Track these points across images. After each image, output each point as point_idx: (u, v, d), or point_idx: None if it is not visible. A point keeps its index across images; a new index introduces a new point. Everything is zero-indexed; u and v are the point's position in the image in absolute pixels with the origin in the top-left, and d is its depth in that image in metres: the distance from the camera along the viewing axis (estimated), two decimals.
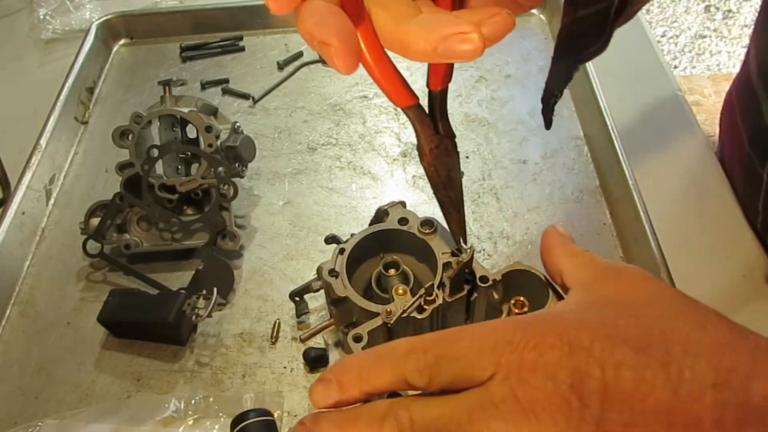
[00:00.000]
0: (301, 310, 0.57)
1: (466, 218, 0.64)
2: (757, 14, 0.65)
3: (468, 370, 0.31)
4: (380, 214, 0.53)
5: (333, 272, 0.49)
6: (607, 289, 0.35)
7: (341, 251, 0.50)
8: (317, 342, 0.55)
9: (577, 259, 0.39)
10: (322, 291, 0.53)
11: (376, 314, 0.46)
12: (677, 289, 0.35)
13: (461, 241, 0.47)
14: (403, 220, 0.51)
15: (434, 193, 0.44)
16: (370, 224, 0.53)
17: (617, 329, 0.30)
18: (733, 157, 0.66)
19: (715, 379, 0.27)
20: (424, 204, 0.66)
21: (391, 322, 0.44)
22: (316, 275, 0.53)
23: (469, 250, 0.45)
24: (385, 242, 0.52)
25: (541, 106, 0.40)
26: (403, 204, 0.53)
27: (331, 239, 0.53)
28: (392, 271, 0.50)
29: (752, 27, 0.65)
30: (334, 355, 0.48)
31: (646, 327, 0.30)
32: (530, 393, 0.29)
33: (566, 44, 0.34)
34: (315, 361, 0.54)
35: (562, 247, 0.41)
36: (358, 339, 0.44)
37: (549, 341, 0.30)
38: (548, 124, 0.41)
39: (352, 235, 0.51)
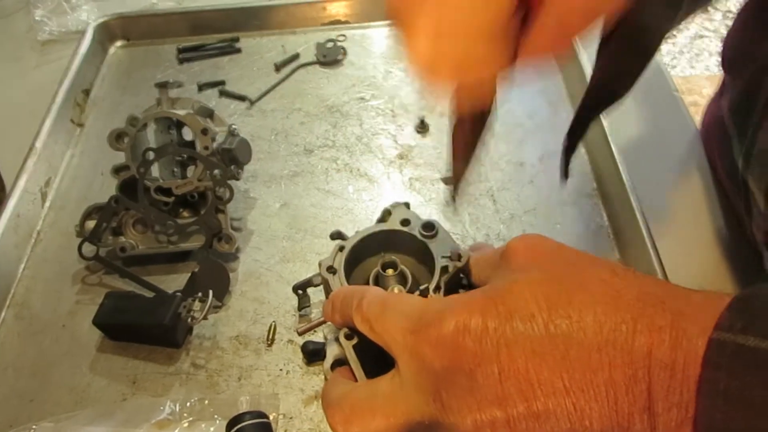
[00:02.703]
0: (303, 303, 0.57)
1: (463, 220, 0.64)
2: (724, 44, 0.64)
3: (386, 342, 0.36)
4: (384, 214, 0.53)
5: (331, 269, 0.49)
6: (500, 268, 0.37)
7: (341, 248, 0.50)
8: (315, 335, 0.55)
9: (478, 268, 0.43)
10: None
11: None
12: (562, 245, 0.36)
13: (455, 190, 0.46)
14: (405, 221, 0.51)
15: (455, 126, 0.41)
16: (377, 223, 0.53)
17: (505, 303, 0.31)
18: (723, 183, 0.66)
19: (600, 341, 0.28)
20: (421, 206, 0.66)
21: None
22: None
23: (465, 255, 0.45)
24: (385, 242, 0.52)
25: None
26: (406, 205, 0.53)
27: (336, 235, 0.54)
28: (390, 271, 0.50)
29: None
30: (332, 350, 0.48)
31: (531, 295, 0.31)
32: (435, 381, 0.32)
33: (595, 95, 0.36)
34: (312, 354, 0.54)
35: (472, 263, 0.44)
36: (349, 337, 0.44)
37: (446, 329, 0.32)
38: (566, 175, 0.41)
39: (356, 233, 0.51)
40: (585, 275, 0.31)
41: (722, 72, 0.66)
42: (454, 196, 0.46)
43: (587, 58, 0.75)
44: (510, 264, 0.36)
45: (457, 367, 0.31)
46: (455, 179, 0.46)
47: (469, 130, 0.42)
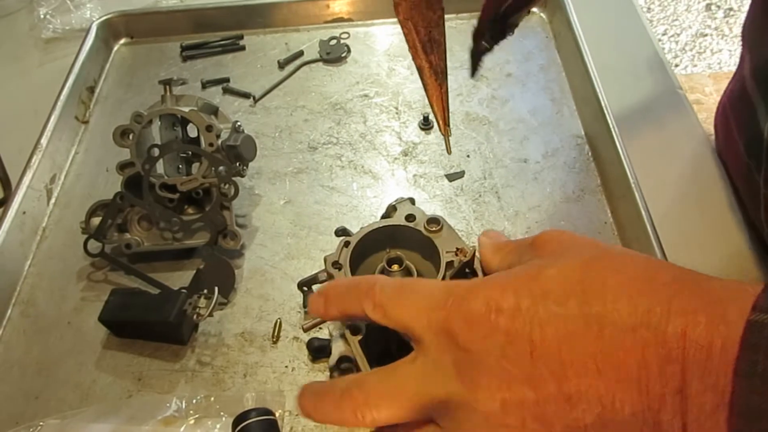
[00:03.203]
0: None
1: (467, 216, 0.64)
2: (745, 19, 0.65)
3: (406, 324, 0.34)
4: (389, 210, 0.53)
5: (336, 264, 0.49)
6: (528, 255, 0.37)
7: (346, 244, 0.50)
8: (320, 332, 0.55)
9: (500, 254, 0.41)
10: None
11: None
12: (590, 238, 0.36)
13: (445, 122, 0.44)
14: (410, 217, 0.51)
15: (413, 58, 0.41)
16: (381, 219, 0.53)
17: (538, 284, 0.31)
18: (735, 169, 0.66)
19: (634, 322, 0.28)
20: (425, 203, 0.66)
21: None
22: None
23: (470, 250, 0.45)
24: (390, 238, 0.52)
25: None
26: (411, 201, 0.54)
27: (341, 232, 0.54)
28: (395, 267, 0.50)
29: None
30: (337, 346, 0.49)
31: (565, 278, 0.31)
32: (463, 359, 0.31)
33: None
34: (318, 351, 0.54)
35: (489, 248, 0.43)
36: (355, 331, 0.44)
37: (477, 306, 0.31)
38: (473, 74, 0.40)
39: (361, 228, 0.51)
40: (618, 260, 0.31)
41: (729, 70, 0.67)
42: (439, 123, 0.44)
43: (591, 55, 0.75)
44: (540, 251, 0.36)
45: (488, 345, 0.30)
46: (440, 111, 0.43)
47: (430, 53, 0.40)
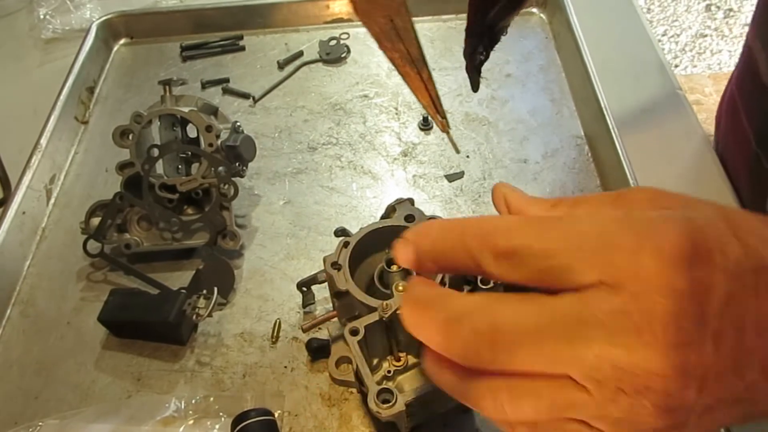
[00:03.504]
0: (308, 300, 0.58)
1: (467, 217, 0.64)
2: (755, 9, 0.65)
3: (561, 271, 0.27)
4: (389, 210, 0.53)
5: (336, 265, 0.49)
6: (640, 207, 0.31)
7: (345, 244, 0.50)
8: (320, 332, 0.55)
9: (561, 208, 0.34)
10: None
11: (376, 309, 0.46)
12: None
13: (438, 113, 0.40)
14: (409, 217, 0.51)
15: (383, 52, 0.37)
16: (381, 219, 0.53)
17: (711, 231, 0.27)
18: (738, 160, 0.66)
19: None
20: (425, 203, 0.66)
21: (386, 317, 0.44)
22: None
23: None
24: (390, 238, 0.52)
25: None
26: (411, 201, 0.54)
27: (340, 232, 0.54)
28: (394, 267, 0.50)
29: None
30: (337, 347, 0.49)
31: (723, 229, 0.27)
32: (647, 309, 0.25)
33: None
34: (317, 351, 0.54)
35: (539, 205, 0.34)
36: (354, 332, 0.44)
37: (668, 246, 0.26)
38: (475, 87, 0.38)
39: (361, 229, 0.51)
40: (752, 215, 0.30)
41: (729, 70, 0.67)
42: (438, 120, 0.42)
43: (590, 55, 0.75)
44: (652, 205, 0.31)
45: (687, 294, 0.25)
46: (429, 104, 0.41)
47: (397, 42, 0.37)
